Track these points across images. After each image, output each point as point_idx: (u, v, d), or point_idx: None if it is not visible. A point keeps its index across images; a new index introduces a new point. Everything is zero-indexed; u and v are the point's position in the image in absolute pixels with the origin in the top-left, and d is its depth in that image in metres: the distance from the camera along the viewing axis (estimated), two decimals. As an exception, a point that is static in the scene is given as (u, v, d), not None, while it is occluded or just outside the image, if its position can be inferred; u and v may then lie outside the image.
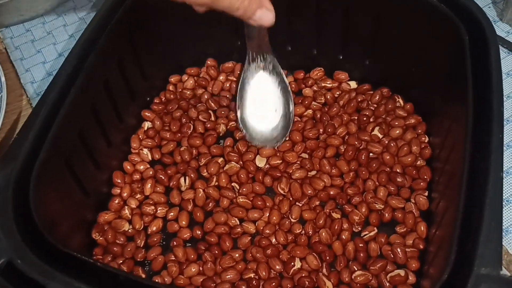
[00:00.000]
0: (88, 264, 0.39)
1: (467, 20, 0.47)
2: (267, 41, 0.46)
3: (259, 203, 0.53)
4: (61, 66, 0.48)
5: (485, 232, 0.36)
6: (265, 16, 0.40)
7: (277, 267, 0.49)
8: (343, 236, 0.51)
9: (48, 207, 0.44)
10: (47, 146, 0.44)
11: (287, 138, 0.53)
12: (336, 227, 0.51)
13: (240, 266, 0.50)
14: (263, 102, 0.50)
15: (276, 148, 0.55)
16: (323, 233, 0.51)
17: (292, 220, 0.52)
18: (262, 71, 0.49)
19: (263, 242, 0.51)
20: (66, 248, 0.39)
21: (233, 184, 0.55)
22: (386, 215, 0.52)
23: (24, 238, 0.39)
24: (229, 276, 0.49)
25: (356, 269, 0.49)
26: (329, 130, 0.58)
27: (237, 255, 0.51)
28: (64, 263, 0.38)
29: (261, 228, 0.52)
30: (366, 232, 0.51)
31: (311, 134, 0.58)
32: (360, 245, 0.50)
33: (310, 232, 0.51)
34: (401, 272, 0.48)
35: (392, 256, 0.49)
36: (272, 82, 0.50)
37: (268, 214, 0.53)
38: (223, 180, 0.55)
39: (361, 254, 0.50)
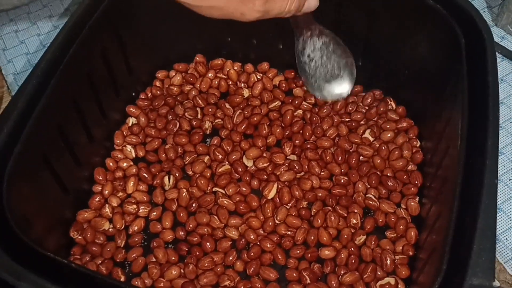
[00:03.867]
0: (63, 265, 0.37)
1: (464, 22, 0.46)
2: (311, 17, 0.47)
3: (241, 207, 0.52)
4: (42, 56, 0.46)
5: (479, 240, 0.34)
6: (311, 3, 0.41)
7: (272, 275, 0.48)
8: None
9: (23, 203, 0.42)
10: (23, 140, 0.42)
11: (351, 88, 0.52)
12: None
13: (219, 269, 0.48)
14: (322, 63, 0.50)
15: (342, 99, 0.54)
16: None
17: (277, 221, 0.51)
18: (311, 38, 0.49)
19: (252, 254, 0.49)
20: (41, 247, 0.37)
21: (215, 189, 0.53)
22: (380, 220, 0.51)
23: (-5, 236, 0.37)
24: (206, 280, 0.47)
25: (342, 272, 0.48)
26: (319, 131, 0.56)
27: (217, 258, 0.49)
28: (38, 263, 0.36)
29: (244, 232, 0.50)
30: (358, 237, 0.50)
31: (300, 136, 0.56)
32: (352, 249, 0.49)
33: (299, 239, 0.50)
34: (391, 281, 0.46)
35: (380, 263, 0.48)
36: (322, 43, 0.50)
37: (251, 219, 0.51)
38: (205, 182, 0.53)
39: (353, 261, 0.48)
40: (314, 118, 0.57)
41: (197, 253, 0.49)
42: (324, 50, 0.49)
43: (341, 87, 0.50)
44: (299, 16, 0.44)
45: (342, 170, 0.53)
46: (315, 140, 0.56)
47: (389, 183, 0.52)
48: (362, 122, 0.57)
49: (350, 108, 0.58)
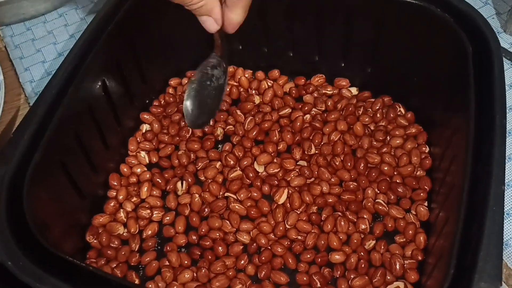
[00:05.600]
0: (80, 268, 0.39)
1: (471, 30, 0.47)
2: (220, 45, 0.47)
3: (252, 212, 0.53)
4: (60, 66, 0.48)
5: (485, 246, 0.35)
6: (208, 24, 0.43)
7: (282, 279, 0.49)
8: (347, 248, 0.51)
9: (42, 208, 0.44)
10: (42, 147, 0.43)
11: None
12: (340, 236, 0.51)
13: (230, 273, 0.49)
14: (203, 95, 0.50)
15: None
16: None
17: (288, 226, 0.52)
18: (220, 66, 0.49)
19: (264, 258, 0.50)
20: (59, 251, 0.39)
21: (227, 194, 0.55)
22: (389, 225, 0.51)
23: (16, 240, 0.38)
24: (218, 283, 0.48)
25: (352, 276, 0.48)
26: (326, 139, 0.57)
27: (228, 262, 0.50)
28: (56, 266, 0.38)
29: (255, 237, 0.51)
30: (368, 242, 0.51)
31: (309, 142, 0.57)
32: (361, 253, 0.50)
33: (309, 243, 0.50)
34: (401, 285, 0.47)
35: (389, 267, 0.49)
36: (215, 81, 0.49)
37: (262, 224, 0.52)
38: (217, 187, 0.55)
39: (363, 265, 0.49)
40: (322, 124, 0.58)
41: (210, 257, 0.50)
42: (216, 82, 0.49)
43: (203, 117, 0.50)
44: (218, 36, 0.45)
45: (352, 176, 0.54)
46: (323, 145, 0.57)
47: (399, 190, 0.53)
48: (372, 128, 0.58)
49: (359, 113, 0.59)
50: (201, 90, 0.50)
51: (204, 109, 0.50)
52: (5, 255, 0.37)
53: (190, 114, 0.50)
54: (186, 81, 0.64)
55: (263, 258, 0.50)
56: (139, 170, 0.57)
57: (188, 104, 0.49)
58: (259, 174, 0.56)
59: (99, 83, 0.51)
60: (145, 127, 0.60)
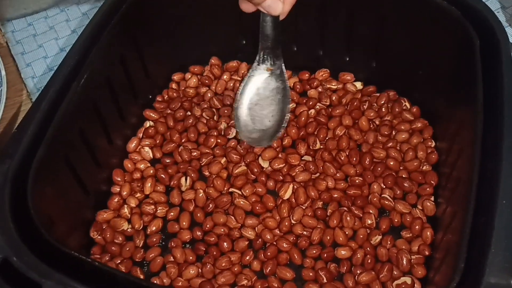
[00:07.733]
0: (86, 264, 0.38)
1: (478, 23, 0.46)
2: (278, 42, 0.46)
3: (257, 208, 0.52)
4: (62, 61, 0.47)
5: (495, 240, 0.35)
6: (274, 4, 0.41)
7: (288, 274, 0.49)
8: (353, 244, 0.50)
9: (46, 204, 0.43)
10: (46, 143, 0.43)
11: (272, 144, 0.55)
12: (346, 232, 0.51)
13: (236, 269, 0.49)
14: (261, 104, 0.49)
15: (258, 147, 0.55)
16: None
17: (293, 221, 0.51)
18: (269, 74, 0.48)
19: (269, 253, 0.50)
20: (64, 246, 0.38)
21: (232, 189, 0.54)
22: (395, 220, 0.51)
23: (21, 235, 0.38)
24: (223, 279, 0.48)
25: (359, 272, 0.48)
26: (331, 134, 0.57)
27: (234, 258, 0.50)
28: (61, 261, 0.37)
29: (260, 232, 0.51)
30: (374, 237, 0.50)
31: (314, 137, 0.57)
32: (368, 248, 0.49)
33: (315, 239, 0.50)
34: (408, 280, 0.47)
35: (396, 262, 0.48)
36: (275, 87, 0.49)
37: (268, 220, 0.52)
38: (222, 183, 0.54)
39: (369, 260, 0.49)
40: (327, 119, 0.58)
41: (215, 253, 0.50)
42: (273, 94, 0.49)
43: (263, 140, 0.50)
44: (268, 26, 0.44)
45: (357, 171, 0.54)
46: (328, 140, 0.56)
47: (405, 185, 0.52)
48: (377, 123, 0.58)
49: (365, 107, 0.59)
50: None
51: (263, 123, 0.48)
52: (10, 251, 0.37)
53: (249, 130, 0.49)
54: (190, 76, 0.63)
55: (268, 253, 0.50)
56: (142, 165, 0.57)
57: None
58: (264, 169, 0.56)
59: (102, 79, 0.51)
60: (148, 123, 0.60)
